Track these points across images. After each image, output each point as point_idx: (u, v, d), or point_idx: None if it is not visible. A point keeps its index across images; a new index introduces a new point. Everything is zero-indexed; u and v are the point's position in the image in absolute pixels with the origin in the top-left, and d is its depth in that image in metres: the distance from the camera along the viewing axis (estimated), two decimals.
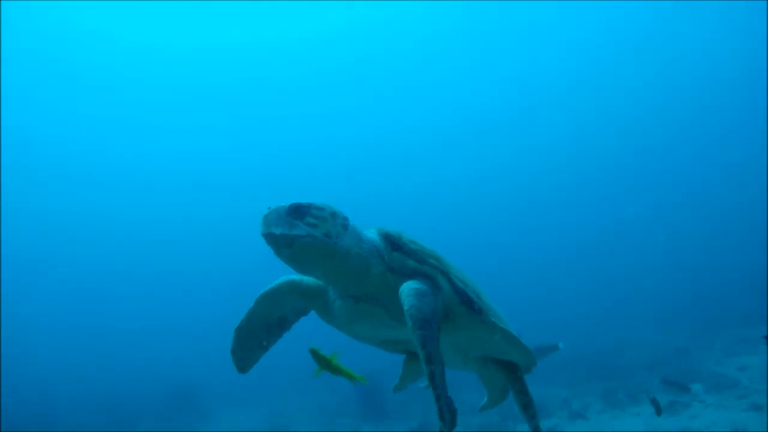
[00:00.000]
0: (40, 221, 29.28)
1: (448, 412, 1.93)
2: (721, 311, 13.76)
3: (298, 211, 2.03)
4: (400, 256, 2.22)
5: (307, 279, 2.43)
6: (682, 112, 29.00)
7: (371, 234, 2.29)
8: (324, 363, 2.68)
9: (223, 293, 19.93)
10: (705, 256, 19.95)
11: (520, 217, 28.61)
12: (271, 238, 2.00)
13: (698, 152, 28.54)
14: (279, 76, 29.93)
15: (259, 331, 2.55)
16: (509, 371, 2.70)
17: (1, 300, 21.26)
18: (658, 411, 5.32)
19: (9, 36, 24.24)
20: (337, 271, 2.13)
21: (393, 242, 2.25)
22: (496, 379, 2.77)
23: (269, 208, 2.03)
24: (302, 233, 1.99)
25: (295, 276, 2.44)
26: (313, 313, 2.53)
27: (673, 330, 13.38)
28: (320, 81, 30.21)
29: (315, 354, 2.69)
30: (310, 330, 2.75)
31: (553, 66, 29.41)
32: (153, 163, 30.57)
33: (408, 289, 2.11)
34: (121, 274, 26.96)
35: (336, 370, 2.72)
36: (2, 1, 22.53)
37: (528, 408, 2.68)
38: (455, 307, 2.22)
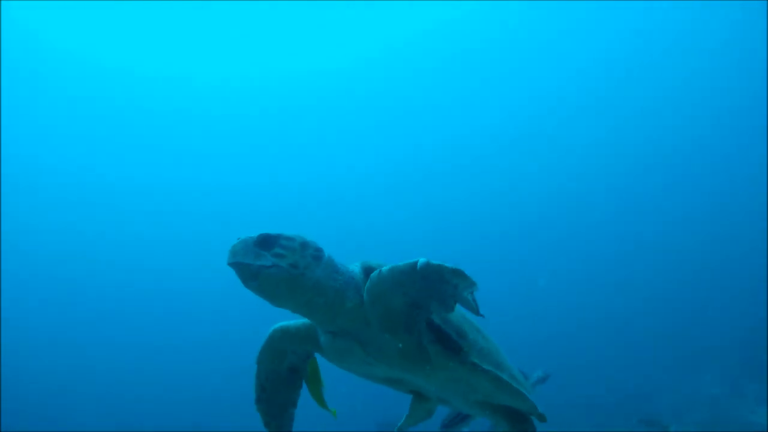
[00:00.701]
0: (55, 237, 29.65)
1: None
2: (747, 358, 13.25)
3: (266, 242, 1.98)
4: None
5: (294, 322, 2.39)
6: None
7: (354, 267, 2.21)
8: (311, 376, 2.50)
9: (232, 312, 19.89)
10: (730, 299, 19.27)
11: (536, 245, 27.91)
12: (236, 269, 1.96)
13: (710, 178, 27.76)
14: (294, 105, 30.64)
15: (278, 391, 2.48)
16: (515, 424, 2.53)
17: (2, 310, 21.30)
18: None
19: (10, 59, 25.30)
20: (309, 303, 2.05)
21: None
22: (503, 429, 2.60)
23: (238, 238, 2.00)
24: (267, 264, 1.94)
25: (282, 322, 2.41)
26: None
27: (699, 376, 12.93)
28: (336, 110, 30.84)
29: (312, 365, 2.51)
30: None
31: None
32: (169, 186, 31.02)
33: None
34: (130, 293, 27.00)
35: (314, 391, 2.51)
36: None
37: None
38: (429, 345, 2.12)
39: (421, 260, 1.90)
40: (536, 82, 29.37)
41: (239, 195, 30.47)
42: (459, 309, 2.26)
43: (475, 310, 1.94)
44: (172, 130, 30.23)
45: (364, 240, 26.05)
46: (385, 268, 2.00)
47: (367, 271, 2.14)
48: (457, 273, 1.86)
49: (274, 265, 1.95)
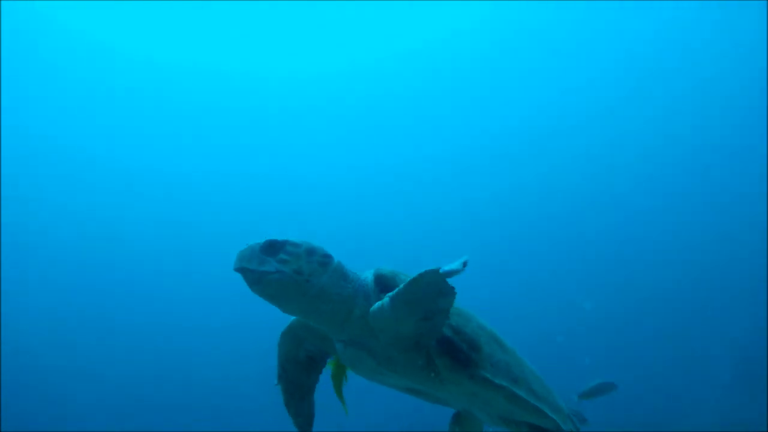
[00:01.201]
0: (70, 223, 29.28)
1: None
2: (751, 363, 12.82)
3: (272, 248, 2.01)
4: None
5: None
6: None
7: (367, 275, 2.18)
8: (336, 370, 2.50)
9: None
10: (730, 301, 18.65)
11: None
12: (241, 274, 2.00)
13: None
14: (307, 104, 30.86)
15: (297, 374, 2.49)
16: None
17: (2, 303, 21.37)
18: None
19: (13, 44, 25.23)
20: (316, 310, 2.07)
21: (384, 283, 2.10)
22: None
23: (246, 243, 2.04)
24: (271, 270, 1.97)
25: None
26: None
27: (735, 394, 12.60)
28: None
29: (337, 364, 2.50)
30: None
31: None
32: (181, 178, 30.61)
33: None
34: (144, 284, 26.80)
35: (336, 384, 2.51)
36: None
37: None
38: (437, 358, 2.08)
39: (389, 297, 1.91)
40: (536, 85, 29.38)
41: (261, 189, 30.16)
42: (476, 319, 2.26)
43: (461, 267, 1.76)
44: (191, 123, 29.92)
45: (385, 240, 26.13)
46: (377, 306, 1.97)
47: (379, 279, 2.13)
48: (428, 274, 1.77)
49: (278, 271, 1.98)
